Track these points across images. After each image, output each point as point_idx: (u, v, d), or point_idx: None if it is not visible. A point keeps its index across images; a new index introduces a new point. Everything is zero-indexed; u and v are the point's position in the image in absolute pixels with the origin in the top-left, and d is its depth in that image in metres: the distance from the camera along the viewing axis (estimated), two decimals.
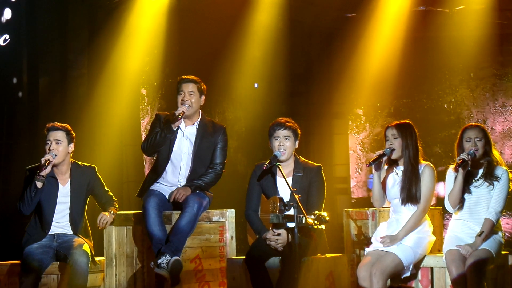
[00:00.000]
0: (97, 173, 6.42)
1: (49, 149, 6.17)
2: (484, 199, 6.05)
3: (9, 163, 8.45)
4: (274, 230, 6.04)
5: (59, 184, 6.25)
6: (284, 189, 6.13)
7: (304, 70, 10.83)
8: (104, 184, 6.46)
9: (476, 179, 6.10)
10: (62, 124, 6.28)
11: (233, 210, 6.63)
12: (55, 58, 8.88)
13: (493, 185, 6.04)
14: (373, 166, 6.05)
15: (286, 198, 6.07)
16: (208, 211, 6.47)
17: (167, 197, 6.39)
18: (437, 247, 6.36)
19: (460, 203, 6.09)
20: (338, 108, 10.81)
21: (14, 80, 8.58)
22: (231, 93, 10.04)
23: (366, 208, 6.62)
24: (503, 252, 6.13)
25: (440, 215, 6.79)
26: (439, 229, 6.68)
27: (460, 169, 5.96)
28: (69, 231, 6.28)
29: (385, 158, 6.08)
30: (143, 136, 8.95)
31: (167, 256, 5.96)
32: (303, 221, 5.62)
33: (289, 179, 6.12)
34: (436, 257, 6.15)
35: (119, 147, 9.00)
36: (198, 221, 6.28)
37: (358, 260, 6.39)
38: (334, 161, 10.76)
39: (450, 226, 6.19)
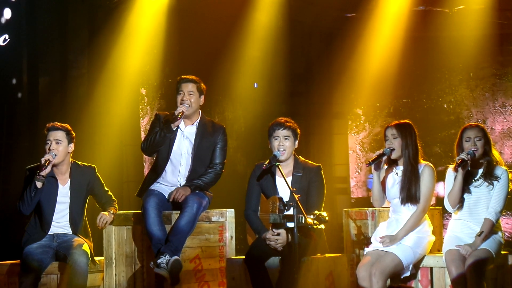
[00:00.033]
0: (97, 173, 6.42)
1: (49, 149, 6.17)
2: (484, 199, 6.05)
3: (9, 163, 8.45)
4: (274, 230, 6.04)
5: (59, 184, 6.26)
6: (283, 189, 6.13)
7: (304, 70, 10.83)
8: (104, 184, 6.46)
9: (475, 179, 6.10)
10: (62, 124, 6.29)
11: (233, 210, 6.63)
12: (55, 58, 8.88)
13: (492, 185, 6.04)
14: (372, 166, 6.06)
15: (286, 198, 6.07)
16: (207, 211, 6.47)
17: (166, 197, 6.39)
18: (436, 247, 6.36)
19: (460, 203, 6.10)
20: (338, 108, 10.80)
21: (14, 81, 8.58)
22: (230, 93, 10.04)
23: (365, 208, 6.63)
24: (502, 252, 6.13)
25: (440, 215, 6.80)
26: (439, 229, 6.68)
27: (460, 169, 5.97)
28: (68, 231, 6.28)
29: (384, 157, 6.08)
30: (143, 136, 8.95)
31: (167, 256, 5.96)
32: (303, 221, 5.62)
33: (289, 179, 6.12)
34: (436, 257, 6.16)
35: (119, 147, 8.99)
36: (197, 221, 6.29)
37: (358, 260, 6.40)
38: (334, 161, 10.76)
39: (450, 226, 6.20)
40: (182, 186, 6.43)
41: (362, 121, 10.83)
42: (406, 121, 6.17)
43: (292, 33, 10.33)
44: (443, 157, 9.93)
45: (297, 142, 6.27)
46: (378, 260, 5.87)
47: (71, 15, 8.95)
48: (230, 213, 6.61)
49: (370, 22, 10.07)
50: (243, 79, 9.96)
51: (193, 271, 6.33)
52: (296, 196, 5.70)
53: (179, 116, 6.33)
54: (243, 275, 6.18)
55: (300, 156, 6.35)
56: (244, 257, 6.13)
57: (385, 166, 6.21)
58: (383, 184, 6.18)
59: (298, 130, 6.28)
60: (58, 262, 6.23)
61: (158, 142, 6.42)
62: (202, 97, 6.55)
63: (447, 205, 6.14)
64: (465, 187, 6.07)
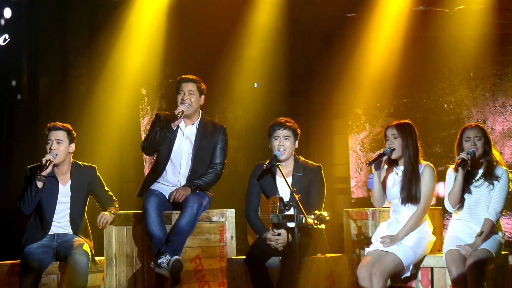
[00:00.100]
0: (98, 173, 6.42)
1: (50, 149, 6.17)
2: (484, 199, 6.05)
3: (9, 163, 8.45)
4: (274, 230, 6.04)
5: (60, 184, 6.25)
6: (284, 189, 6.13)
7: (304, 70, 10.83)
8: (105, 184, 6.46)
9: (476, 179, 6.10)
10: (63, 124, 6.29)
11: (233, 210, 6.63)
12: (55, 58, 8.88)
13: (493, 185, 6.04)
14: (373, 166, 6.05)
15: (286, 198, 6.07)
16: (208, 211, 6.47)
17: (167, 196, 6.39)
18: (437, 247, 6.36)
19: (460, 203, 6.09)
20: (338, 108, 10.80)
21: (14, 83, 8.57)
22: (231, 92, 10.04)
23: (366, 208, 6.63)
24: (503, 252, 6.13)
25: (440, 215, 6.80)
26: (439, 229, 6.68)
27: (460, 169, 5.97)
28: (69, 231, 6.28)
29: (385, 157, 6.08)
30: (143, 135, 8.95)
31: (167, 256, 5.96)
32: (303, 221, 5.62)
33: (289, 179, 6.12)
34: (436, 257, 6.15)
35: (119, 147, 8.99)
36: (198, 221, 6.29)
37: (358, 260, 6.39)
38: (334, 161, 10.76)
39: (450, 226, 6.20)
40: (183, 186, 6.43)
41: (362, 121, 10.82)
42: (407, 121, 6.17)
43: (292, 33, 10.33)
44: (444, 157, 9.94)
45: (297, 142, 6.27)
46: (379, 260, 5.86)
47: (71, 15, 8.94)
48: (230, 213, 6.61)
49: (370, 22, 10.06)
50: (243, 79, 9.96)
51: (193, 271, 6.33)
52: (296, 196, 5.70)
53: (179, 115, 6.33)
54: (244, 275, 6.18)
55: (300, 156, 6.35)
56: (244, 257, 6.13)
57: (386, 166, 6.21)
58: (383, 184, 6.18)
59: (299, 130, 6.28)
60: (58, 262, 6.22)
61: (158, 142, 6.43)
62: (203, 97, 6.55)
63: (447, 205, 6.14)
64: (466, 187, 6.07)
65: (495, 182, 6.03)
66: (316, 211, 5.62)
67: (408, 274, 6.00)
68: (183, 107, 6.38)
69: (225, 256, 6.52)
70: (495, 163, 6.10)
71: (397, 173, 6.12)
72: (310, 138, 10.52)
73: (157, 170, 6.54)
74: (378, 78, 10.31)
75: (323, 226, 5.62)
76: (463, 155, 5.97)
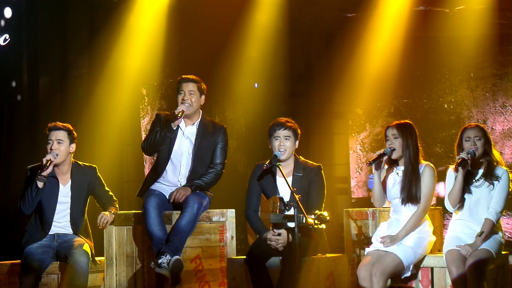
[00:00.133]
0: (98, 173, 6.42)
1: (51, 149, 6.17)
2: (484, 199, 6.05)
3: (9, 163, 8.44)
4: (275, 230, 6.03)
5: (60, 184, 6.25)
6: (284, 189, 6.13)
7: (304, 70, 10.83)
8: (105, 184, 6.46)
9: (476, 179, 6.10)
10: (64, 124, 6.29)
11: (233, 210, 6.63)
12: (55, 58, 8.87)
13: (493, 185, 6.04)
14: (373, 166, 6.06)
15: (286, 198, 6.07)
16: (208, 211, 6.47)
17: (167, 196, 6.39)
18: (437, 247, 6.36)
19: (460, 203, 6.10)
20: (338, 108, 10.80)
21: (13, 84, 8.57)
22: (231, 93, 10.04)
23: (366, 208, 6.63)
24: (503, 252, 6.13)
25: (441, 215, 6.80)
26: (439, 229, 6.68)
27: (460, 168, 5.97)
28: (69, 231, 6.28)
29: (385, 157, 6.08)
30: (143, 135, 8.94)
31: (168, 256, 5.96)
32: (304, 221, 5.62)
33: (289, 179, 6.12)
34: (437, 257, 6.16)
35: (119, 147, 8.99)
36: (198, 221, 6.29)
37: (359, 260, 6.39)
38: (334, 161, 10.76)
39: (450, 226, 6.20)
40: (183, 186, 6.43)
41: (362, 121, 10.82)
42: (407, 121, 6.17)
43: (292, 33, 10.33)
44: (444, 157, 9.94)
45: (297, 142, 6.27)
46: (379, 260, 5.86)
47: (71, 15, 8.94)
48: (230, 213, 6.61)
49: (370, 22, 10.06)
50: (243, 79, 9.96)
51: (193, 271, 6.33)
52: (296, 196, 5.70)
53: (179, 115, 6.33)
54: (244, 275, 6.18)
55: (300, 156, 6.35)
56: (244, 257, 6.13)
57: (386, 166, 6.21)
58: (383, 184, 6.18)
59: (299, 130, 6.29)
60: (58, 262, 6.22)
61: (159, 142, 6.43)
62: (203, 96, 6.55)
63: (447, 205, 6.14)
64: (466, 187, 6.07)
65: (495, 182, 6.04)
66: (317, 211, 5.62)
67: (408, 274, 6.00)
68: (183, 107, 6.38)
69: (225, 256, 6.52)
70: (495, 163, 6.10)
71: (397, 173, 6.12)
72: (310, 138, 10.52)
73: (157, 170, 6.54)
74: (378, 78, 10.31)
75: (323, 226, 5.62)
76: (463, 155, 5.97)
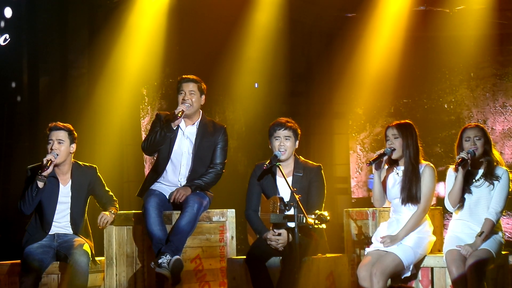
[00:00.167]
0: (98, 173, 6.42)
1: (51, 149, 6.17)
2: (485, 199, 6.05)
3: (9, 163, 8.44)
4: (275, 230, 6.03)
5: (60, 184, 6.25)
6: (284, 189, 6.13)
7: (304, 70, 10.84)
8: (105, 184, 6.46)
9: (476, 179, 6.10)
10: (65, 124, 6.29)
11: (234, 210, 6.63)
12: (55, 58, 8.87)
13: (493, 185, 6.04)
14: (373, 166, 6.05)
15: (286, 198, 6.07)
16: (208, 211, 6.47)
17: (167, 196, 6.39)
18: (437, 247, 6.36)
19: (460, 203, 6.10)
20: (338, 108, 10.81)
21: (13, 84, 8.57)
22: (231, 92, 10.04)
23: (366, 208, 6.62)
24: (503, 252, 6.13)
25: (441, 215, 6.80)
26: (440, 229, 6.68)
27: (460, 168, 5.97)
28: (69, 231, 6.28)
29: (385, 157, 6.08)
30: (143, 135, 8.94)
31: (168, 255, 5.96)
32: (304, 221, 5.62)
33: (289, 179, 6.12)
34: (437, 257, 6.15)
35: (120, 147, 8.99)
36: (198, 221, 6.29)
37: (359, 260, 6.39)
38: (334, 161, 10.76)
39: (451, 226, 6.20)
40: (183, 186, 6.43)
41: (362, 121, 10.83)
42: (407, 121, 6.17)
43: (292, 33, 10.33)
44: (444, 157, 9.94)
45: (297, 142, 6.27)
46: (379, 260, 5.86)
47: (71, 15, 8.94)
48: (230, 213, 6.61)
49: (370, 22, 10.07)
50: (243, 79, 9.96)
51: (193, 271, 6.33)
52: (297, 196, 5.70)
53: (179, 115, 6.33)
54: (244, 275, 6.17)
55: (300, 156, 6.35)
56: (245, 257, 6.13)
57: (386, 166, 6.21)
58: (383, 184, 6.18)
59: (299, 130, 6.29)
60: (58, 262, 6.22)
61: (159, 142, 6.43)
62: (203, 96, 6.56)
63: (447, 204, 6.14)
64: (466, 187, 6.07)
65: (496, 182, 6.04)
66: (317, 211, 5.62)
67: (408, 274, 6.00)
68: (183, 106, 6.38)
69: (225, 256, 6.52)
70: (495, 163, 6.10)
71: (397, 173, 6.12)
72: (310, 138, 10.52)
73: (158, 170, 6.54)
74: (378, 78, 10.32)
75: (323, 226, 5.62)
76: (463, 154, 5.97)
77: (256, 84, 10.30)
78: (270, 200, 6.19)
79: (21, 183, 6.30)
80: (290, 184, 5.97)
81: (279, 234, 6.01)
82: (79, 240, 6.18)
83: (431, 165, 6.11)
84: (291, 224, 5.86)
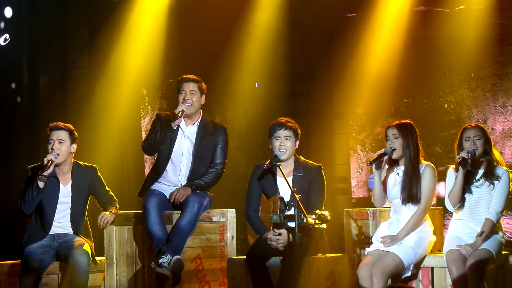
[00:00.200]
0: (99, 173, 6.42)
1: (52, 149, 6.17)
2: (485, 199, 6.05)
3: (9, 163, 8.43)
4: (275, 230, 6.03)
5: (61, 184, 6.25)
6: (284, 189, 6.13)
7: (304, 70, 10.84)
8: (105, 184, 6.46)
9: (476, 178, 6.10)
10: (65, 124, 6.29)
11: (234, 210, 6.64)
12: (55, 58, 8.86)
13: (493, 184, 6.04)
14: (373, 165, 6.06)
15: (287, 198, 6.07)
16: (208, 211, 6.47)
17: (167, 196, 6.39)
18: (437, 247, 6.36)
19: (461, 202, 6.10)
20: (339, 108, 10.81)
21: (13, 85, 8.57)
22: (231, 92, 10.04)
23: (366, 208, 6.62)
24: (503, 252, 6.13)
25: (441, 215, 6.80)
26: (440, 229, 6.68)
27: (460, 168, 5.97)
28: (69, 231, 6.27)
29: (385, 157, 6.08)
30: (144, 135, 8.94)
31: (168, 255, 5.96)
32: (304, 221, 5.61)
33: (289, 179, 6.12)
34: (437, 257, 6.16)
35: (120, 147, 8.99)
36: (198, 221, 6.29)
37: (359, 260, 6.39)
38: (335, 160, 10.76)
39: (451, 226, 6.20)
40: (183, 186, 6.43)
41: (363, 121, 10.82)
42: (407, 121, 6.18)
43: (292, 33, 10.33)
44: (444, 157, 9.94)
45: (298, 142, 6.27)
46: (379, 260, 5.86)
47: (71, 15, 8.93)
48: (231, 213, 6.61)
49: (370, 22, 10.07)
50: (243, 79, 9.96)
51: (194, 271, 6.33)
52: (297, 196, 5.70)
53: (180, 114, 6.33)
54: (244, 275, 6.17)
55: (300, 156, 6.35)
56: (245, 257, 6.13)
57: (386, 166, 6.21)
58: (384, 184, 6.18)
59: (299, 130, 6.29)
60: (59, 262, 6.22)
61: (159, 141, 6.43)
62: (203, 96, 6.56)
63: (447, 204, 6.14)
64: (466, 187, 6.07)
65: (496, 182, 6.04)
66: (317, 211, 5.62)
67: (408, 274, 6.00)
68: (183, 106, 6.38)
69: (225, 256, 6.52)
70: (495, 163, 6.10)
71: (397, 173, 6.12)
72: (310, 138, 10.52)
73: (158, 170, 6.54)
74: (379, 78, 10.32)
75: (324, 225, 5.62)
76: (463, 154, 5.97)
77: (256, 84, 10.30)
78: (270, 200, 6.19)
79: (21, 183, 6.30)
80: (291, 184, 5.97)
81: (280, 234, 6.01)
82: (79, 240, 6.18)
83: (432, 165, 6.11)
84: (292, 224, 5.86)
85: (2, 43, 8.31)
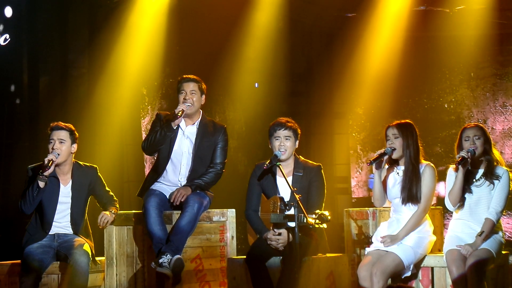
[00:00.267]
0: (99, 174, 6.42)
1: (52, 148, 6.17)
2: (485, 199, 6.05)
3: (9, 163, 8.43)
4: (275, 230, 6.03)
5: (61, 184, 6.25)
6: (284, 189, 6.13)
7: (304, 70, 10.84)
8: (105, 184, 6.46)
9: (476, 178, 6.10)
10: (66, 124, 6.29)
11: (234, 210, 6.63)
12: (55, 58, 8.87)
13: (493, 184, 6.04)
14: (373, 165, 6.06)
15: (287, 198, 6.07)
16: (208, 210, 6.47)
17: (167, 196, 6.39)
18: (437, 247, 6.36)
19: (461, 202, 6.10)
20: (339, 108, 10.81)
21: (13, 85, 8.57)
22: (231, 92, 10.04)
23: (366, 208, 6.62)
24: (503, 252, 6.13)
25: (441, 214, 6.80)
26: (440, 229, 6.68)
27: (460, 167, 5.97)
28: (69, 231, 6.27)
29: (386, 157, 6.08)
30: (144, 135, 8.94)
31: (168, 255, 5.96)
32: (304, 221, 5.61)
33: (289, 179, 6.12)
34: (437, 257, 6.16)
35: (120, 147, 8.99)
36: (198, 221, 6.29)
37: (359, 260, 6.39)
38: (335, 160, 10.77)
39: (451, 225, 6.20)
40: (183, 186, 6.43)
41: (363, 121, 10.83)
42: (407, 121, 6.18)
43: (292, 33, 10.33)
44: (444, 157, 9.94)
45: (297, 142, 6.27)
46: (379, 260, 5.86)
47: (71, 15, 8.94)
48: (231, 213, 6.61)
49: (370, 22, 10.07)
50: (243, 79, 9.96)
51: (194, 271, 6.33)
52: (297, 196, 5.70)
53: (179, 114, 6.33)
54: (244, 275, 6.17)
55: (300, 156, 6.35)
56: (245, 257, 6.13)
57: (386, 166, 6.21)
58: (384, 184, 6.17)
59: (299, 130, 6.29)
60: (59, 262, 6.22)
61: (159, 141, 6.43)
62: (203, 96, 6.56)
63: (447, 203, 6.14)
64: (466, 186, 6.07)
65: (496, 182, 6.04)
66: (318, 211, 5.62)
67: (408, 274, 6.00)
68: (183, 106, 6.38)
69: (225, 256, 6.52)
70: (495, 163, 6.10)
71: (397, 173, 6.12)
72: (310, 138, 10.52)
73: (158, 170, 6.54)
74: (379, 78, 10.32)
75: (324, 225, 5.62)
76: (463, 153, 5.98)
77: (256, 84, 10.30)
78: (270, 200, 6.19)
79: (21, 183, 6.31)
80: (290, 184, 5.97)
81: (279, 234, 6.01)
82: (79, 240, 6.18)
83: (432, 164, 6.11)
84: (292, 224, 5.85)
85: (2, 43, 8.31)
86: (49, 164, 6.04)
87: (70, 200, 6.26)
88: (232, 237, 6.59)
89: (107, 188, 6.46)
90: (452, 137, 9.49)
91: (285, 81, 10.42)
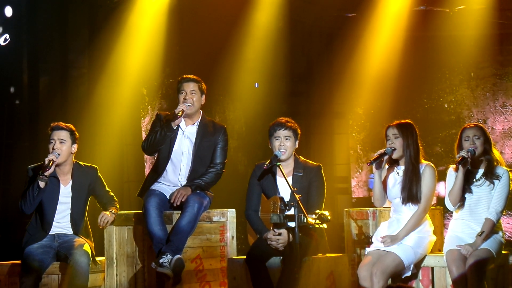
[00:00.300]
0: (99, 174, 6.42)
1: (53, 148, 6.17)
2: (485, 199, 6.05)
3: (9, 163, 8.43)
4: (275, 230, 6.03)
5: (61, 184, 6.25)
6: (284, 189, 6.13)
7: (304, 70, 10.84)
8: (106, 185, 6.46)
9: (477, 178, 6.10)
10: (67, 124, 6.30)
11: (234, 210, 6.63)
12: (55, 58, 8.86)
13: (493, 184, 6.04)
14: (374, 165, 6.06)
15: (287, 198, 6.07)
16: (208, 211, 6.47)
17: (167, 196, 6.39)
18: (437, 247, 6.36)
19: (461, 202, 6.10)
20: (339, 108, 10.81)
21: (12, 88, 8.57)
22: (231, 92, 10.04)
23: (366, 208, 6.62)
24: (503, 252, 6.13)
25: (441, 214, 6.80)
26: (440, 229, 6.68)
27: (460, 167, 5.97)
28: (69, 231, 6.27)
29: (386, 157, 6.08)
30: (144, 135, 8.94)
31: (168, 255, 5.96)
32: (304, 221, 5.61)
33: (289, 179, 6.12)
34: (437, 257, 6.16)
35: (120, 147, 8.99)
36: (198, 221, 6.29)
37: (359, 260, 6.39)
38: (335, 160, 10.77)
39: (451, 225, 6.20)
40: (183, 186, 6.43)
41: (363, 121, 10.83)
42: (407, 120, 6.18)
43: (292, 33, 10.33)
44: (444, 157, 9.94)
45: (297, 142, 6.27)
46: (379, 260, 5.86)
47: (71, 15, 8.94)
48: (231, 213, 6.61)
49: (370, 22, 10.07)
50: (243, 79, 9.96)
51: (194, 271, 6.33)
52: (297, 196, 5.70)
53: (179, 114, 6.33)
54: (244, 275, 6.17)
55: (300, 156, 6.35)
56: (245, 257, 6.13)
57: (386, 166, 6.21)
58: (384, 184, 6.18)
59: (299, 130, 6.29)
60: (59, 263, 6.22)
61: (159, 141, 6.43)
62: (203, 96, 6.56)
63: (448, 203, 6.14)
64: (466, 186, 6.07)
65: (496, 182, 6.04)
66: (318, 211, 5.62)
67: (408, 273, 6.00)
68: (183, 106, 6.38)
69: (225, 256, 6.51)
70: (495, 163, 6.10)
71: (397, 173, 6.12)
72: (310, 138, 10.52)
73: (158, 170, 6.54)
74: (379, 77, 10.32)
75: (324, 225, 5.62)
76: (463, 153, 5.98)
77: (256, 84, 10.30)
78: (270, 200, 6.19)
79: (21, 183, 6.31)
80: (290, 184, 5.97)
81: (280, 234, 6.01)
82: (79, 240, 6.18)
83: (432, 164, 6.11)
84: (292, 224, 5.85)
85: (2, 43, 8.31)
86: (50, 164, 6.04)
87: (70, 200, 6.26)
88: (232, 237, 6.59)
89: (107, 188, 6.46)
90: (452, 137, 9.49)
91: (285, 81, 10.42)
